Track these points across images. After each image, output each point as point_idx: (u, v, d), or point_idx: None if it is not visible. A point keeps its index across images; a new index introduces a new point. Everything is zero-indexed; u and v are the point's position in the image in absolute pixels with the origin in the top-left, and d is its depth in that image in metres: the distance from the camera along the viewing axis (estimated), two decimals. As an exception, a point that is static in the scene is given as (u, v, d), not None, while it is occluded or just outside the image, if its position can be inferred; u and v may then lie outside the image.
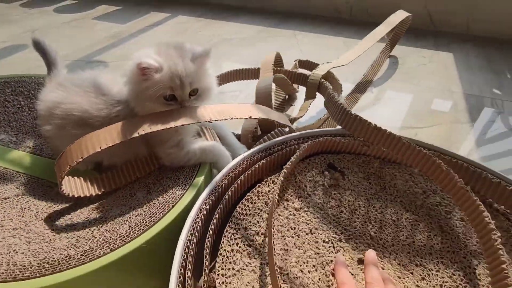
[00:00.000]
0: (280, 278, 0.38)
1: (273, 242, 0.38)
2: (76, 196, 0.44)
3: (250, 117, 0.50)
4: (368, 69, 0.98)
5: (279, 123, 0.56)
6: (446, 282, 0.39)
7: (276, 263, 0.36)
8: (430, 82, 0.97)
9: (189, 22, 1.45)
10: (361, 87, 0.92)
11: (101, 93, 0.48)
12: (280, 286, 0.33)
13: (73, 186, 0.45)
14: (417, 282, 0.39)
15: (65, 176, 0.42)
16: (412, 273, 0.40)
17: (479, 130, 0.77)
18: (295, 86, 0.83)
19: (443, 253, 0.42)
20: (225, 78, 0.81)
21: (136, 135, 0.42)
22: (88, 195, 0.45)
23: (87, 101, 0.47)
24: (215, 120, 0.47)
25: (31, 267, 0.35)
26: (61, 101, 0.48)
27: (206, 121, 0.46)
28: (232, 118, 0.48)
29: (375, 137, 0.47)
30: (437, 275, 0.40)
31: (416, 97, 0.90)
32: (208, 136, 0.54)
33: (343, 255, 0.41)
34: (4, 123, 0.61)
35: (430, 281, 0.39)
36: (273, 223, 0.43)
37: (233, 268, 0.38)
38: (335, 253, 0.41)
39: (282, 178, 0.43)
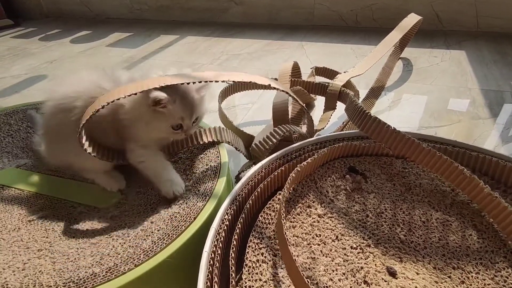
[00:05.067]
0: None
1: (287, 237, 0.37)
2: (92, 154, 0.47)
3: (269, 85, 0.52)
4: (380, 72, 0.97)
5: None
6: (488, 284, 0.36)
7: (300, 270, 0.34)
8: (444, 81, 0.95)
9: (198, 42, 1.49)
10: (375, 92, 0.91)
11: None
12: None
13: (93, 147, 0.48)
14: (457, 286, 0.37)
15: (87, 139, 0.46)
16: (450, 277, 0.38)
17: (502, 125, 0.74)
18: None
19: (481, 253, 0.39)
20: (241, 86, 0.81)
21: (156, 86, 0.43)
22: (102, 158, 0.49)
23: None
24: (234, 81, 0.52)
25: (57, 287, 0.35)
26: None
27: (225, 81, 0.49)
28: (250, 82, 0.49)
29: (393, 142, 0.45)
30: (477, 277, 0.37)
31: (432, 97, 0.88)
32: (208, 133, 0.55)
33: (373, 261, 0.39)
34: (27, 149, 0.63)
35: (471, 284, 0.37)
36: (286, 231, 0.42)
37: (260, 279, 0.36)
38: (365, 259, 0.39)
39: (294, 175, 0.42)
